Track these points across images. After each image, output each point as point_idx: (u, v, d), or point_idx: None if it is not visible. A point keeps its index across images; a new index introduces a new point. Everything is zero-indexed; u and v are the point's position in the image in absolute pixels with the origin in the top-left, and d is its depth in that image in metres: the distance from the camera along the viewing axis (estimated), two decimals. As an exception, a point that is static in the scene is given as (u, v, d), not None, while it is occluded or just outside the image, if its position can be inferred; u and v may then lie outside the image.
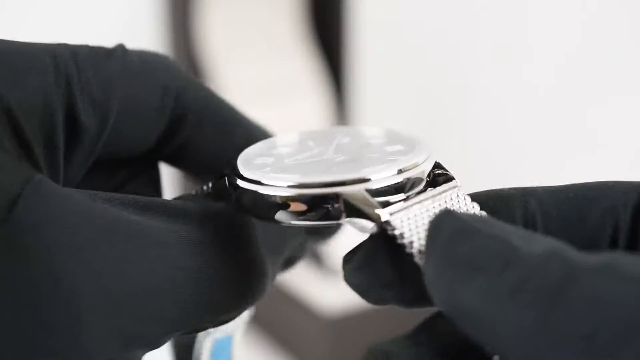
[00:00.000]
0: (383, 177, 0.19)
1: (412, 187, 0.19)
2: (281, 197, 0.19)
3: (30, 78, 0.18)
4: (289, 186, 0.19)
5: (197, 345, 0.23)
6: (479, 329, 0.15)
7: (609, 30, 0.67)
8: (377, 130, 0.23)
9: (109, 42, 0.22)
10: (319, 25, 0.84)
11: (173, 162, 0.22)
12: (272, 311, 0.69)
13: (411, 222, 0.18)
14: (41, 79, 0.18)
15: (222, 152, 0.22)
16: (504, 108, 0.77)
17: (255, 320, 0.72)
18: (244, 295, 0.20)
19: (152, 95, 0.21)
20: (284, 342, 0.68)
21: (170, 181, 0.67)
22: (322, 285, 0.65)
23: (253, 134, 0.23)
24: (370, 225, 0.19)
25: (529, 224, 0.19)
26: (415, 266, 0.18)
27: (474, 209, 0.19)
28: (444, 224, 0.16)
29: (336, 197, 0.19)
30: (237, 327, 0.24)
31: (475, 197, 0.20)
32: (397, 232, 0.18)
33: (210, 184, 0.21)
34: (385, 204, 0.19)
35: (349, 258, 0.19)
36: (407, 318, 0.69)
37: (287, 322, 0.67)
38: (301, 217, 0.19)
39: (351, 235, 0.62)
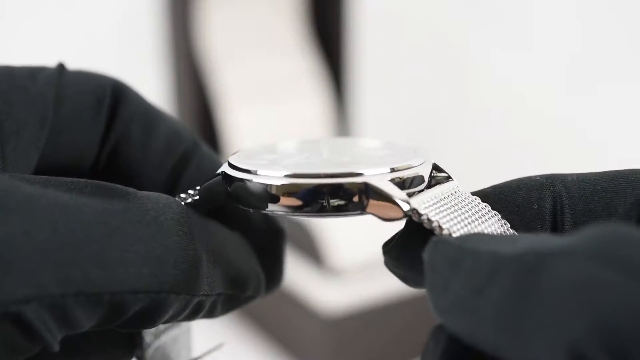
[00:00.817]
0: (375, 173, 0.19)
1: (411, 186, 0.20)
2: (278, 186, 0.19)
3: None
4: (287, 175, 0.19)
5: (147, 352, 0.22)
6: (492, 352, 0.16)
7: (612, 31, 0.67)
8: (375, 141, 0.23)
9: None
10: (318, 24, 0.84)
11: (114, 158, 0.22)
12: (271, 312, 0.69)
13: (435, 208, 0.19)
14: None
15: (150, 148, 0.22)
16: (504, 108, 0.77)
17: (255, 321, 0.72)
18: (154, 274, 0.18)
19: (88, 97, 0.21)
20: (283, 342, 0.68)
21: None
22: (322, 286, 0.65)
23: (177, 128, 0.23)
24: (394, 213, 0.19)
25: (558, 217, 0.19)
26: None
27: (479, 205, 0.20)
28: (436, 254, 0.17)
29: (350, 187, 0.19)
30: (181, 333, 0.23)
31: (504, 186, 0.20)
32: (424, 218, 0.19)
33: (197, 188, 0.21)
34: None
35: (386, 247, 0.21)
36: (407, 319, 0.69)
37: (286, 323, 0.67)
38: (302, 210, 0.19)
39: (351, 234, 0.61)
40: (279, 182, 0.19)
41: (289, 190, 0.19)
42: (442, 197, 0.20)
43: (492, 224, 0.20)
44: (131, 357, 0.21)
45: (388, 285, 0.65)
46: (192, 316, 0.20)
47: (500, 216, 0.20)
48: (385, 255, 0.21)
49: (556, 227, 0.20)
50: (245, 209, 0.20)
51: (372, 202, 0.19)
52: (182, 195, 0.21)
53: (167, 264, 0.18)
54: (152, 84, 0.80)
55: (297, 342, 0.66)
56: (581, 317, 0.14)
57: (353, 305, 0.63)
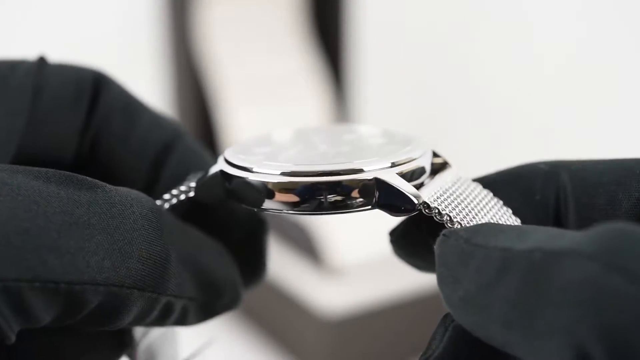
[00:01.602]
0: (375, 169, 0.19)
1: (416, 178, 0.20)
2: (277, 183, 0.19)
3: None
4: (283, 173, 0.19)
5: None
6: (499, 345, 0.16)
7: (611, 26, 0.66)
8: (373, 128, 0.23)
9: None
10: (319, 23, 0.84)
11: (92, 163, 0.22)
12: (270, 312, 0.69)
13: (443, 200, 0.19)
14: None
15: (131, 139, 0.22)
16: (505, 104, 0.77)
17: (253, 321, 0.72)
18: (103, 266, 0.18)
19: (68, 88, 0.21)
20: (282, 343, 0.68)
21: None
22: (321, 286, 0.65)
23: (158, 119, 0.23)
24: (405, 208, 0.19)
25: (561, 208, 0.19)
26: None
27: (482, 192, 0.20)
28: (446, 247, 0.18)
29: (350, 183, 0.19)
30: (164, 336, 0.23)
31: (507, 173, 0.20)
32: (435, 212, 0.18)
33: (188, 186, 0.21)
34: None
35: (392, 236, 0.21)
36: (407, 319, 0.69)
37: (285, 323, 0.67)
38: (300, 207, 0.19)
39: (350, 234, 0.61)
40: (275, 180, 0.19)
41: (286, 187, 0.19)
42: (447, 187, 0.20)
43: (497, 212, 0.19)
44: (121, 356, 0.21)
45: (388, 286, 0.64)
46: (161, 320, 0.19)
47: (502, 203, 0.20)
48: (392, 244, 0.21)
49: (559, 218, 0.20)
50: (247, 207, 0.20)
51: (382, 197, 0.19)
52: (170, 194, 0.21)
53: (130, 258, 0.18)
54: (151, 83, 0.80)
55: (296, 343, 0.66)
56: (586, 320, 0.14)
57: (352, 306, 0.63)
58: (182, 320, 0.20)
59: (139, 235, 0.18)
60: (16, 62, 0.21)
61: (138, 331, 0.22)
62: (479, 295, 0.16)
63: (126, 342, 0.21)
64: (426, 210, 0.18)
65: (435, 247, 0.18)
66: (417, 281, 0.65)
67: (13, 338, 0.17)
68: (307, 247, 0.67)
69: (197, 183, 0.21)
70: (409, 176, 0.19)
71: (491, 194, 0.20)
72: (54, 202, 0.17)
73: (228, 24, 0.77)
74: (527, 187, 0.20)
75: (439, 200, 0.19)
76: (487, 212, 0.19)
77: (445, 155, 0.22)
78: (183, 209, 0.21)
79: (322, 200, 0.19)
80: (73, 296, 0.17)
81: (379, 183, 0.19)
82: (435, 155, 0.21)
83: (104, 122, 0.22)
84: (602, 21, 0.67)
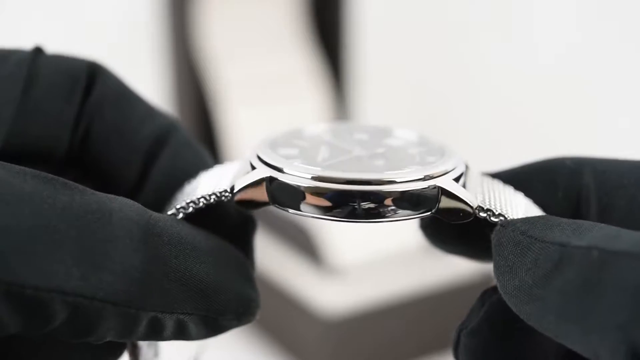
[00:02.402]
0: (408, 179, 0.19)
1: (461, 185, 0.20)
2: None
3: None
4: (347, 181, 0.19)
5: None
6: (547, 331, 0.17)
7: (612, 25, 0.66)
8: (409, 133, 0.24)
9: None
10: (319, 23, 0.83)
11: (84, 153, 0.22)
12: (269, 312, 0.68)
13: (489, 199, 0.20)
14: None
15: (124, 130, 0.22)
16: (506, 104, 0.77)
17: (254, 321, 0.72)
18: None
19: (62, 78, 0.21)
20: (281, 343, 0.67)
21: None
22: (321, 286, 0.65)
23: (152, 111, 0.22)
24: (465, 213, 0.19)
25: (583, 207, 0.20)
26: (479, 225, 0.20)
27: (506, 188, 0.21)
28: (503, 238, 0.18)
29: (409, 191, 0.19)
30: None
31: (531, 168, 0.21)
32: (488, 212, 0.19)
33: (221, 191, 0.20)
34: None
35: (422, 224, 0.22)
36: (408, 319, 0.69)
37: (285, 323, 0.67)
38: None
39: (350, 234, 0.61)
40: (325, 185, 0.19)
41: (319, 192, 0.19)
42: (483, 187, 0.20)
43: (528, 205, 0.20)
44: (120, 355, 0.20)
45: (389, 286, 0.64)
46: (153, 335, 0.18)
47: (523, 195, 0.20)
48: (422, 230, 0.22)
49: (579, 215, 0.20)
50: (284, 209, 0.20)
51: (443, 204, 0.19)
52: (185, 202, 0.20)
53: (103, 270, 0.17)
54: (151, 83, 0.80)
55: (296, 343, 0.66)
56: None
57: (352, 306, 0.63)
58: (183, 335, 0.19)
59: (114, 246, 0.17)
60: (9, 51, 0.21)
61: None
62: (535, 286, 0.17)
63: (132, 353, 0.20)
64: (480, 214, 0.19)
65: (492, 235, 0.19)
66: (417, 281, 0.65)
67: None
68: (307, 247, 0.67)
69: (240, 187, 0.20)
70: (460, 183, 0.20)
71: (512, 189, 0.21)
72: (26, 204, 0.16)
73: (228, 23, 0.77)
74: (550, 183, 0.20)
75: (486, 201, 0.19)
76: (522, 206, 0.20)
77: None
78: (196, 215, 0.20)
79: (390, 208, 0.19)
80: (40, 304, 0.16)
81: (442, 190, 0.19)
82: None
83: (96, 112, 0.21)
84: (602, 22, 0.67)
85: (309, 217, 0.20)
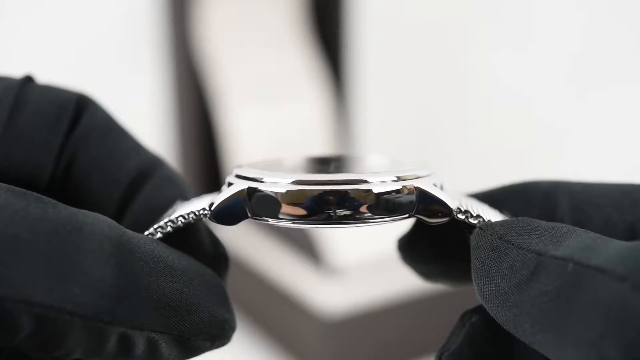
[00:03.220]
0: (381, 180, 0.19)
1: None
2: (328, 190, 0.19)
3: None
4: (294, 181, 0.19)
5: None
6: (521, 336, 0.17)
7: (614, 31, 0.66)
8: (381, 156, 0.24)
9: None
10: (319, 24, 0.83)
11: (66, 183, 0.22)
12: (269, 312, 0.68)
13: (467, 202, 0.20)
14: None
15: (108, 162, 0.22)
16: (505, 108, 0.77)
17: (254, 321, 0.72)
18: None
19: (49, 107, 0.21)
20: (281, 343, 0.68)
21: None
22: (321, 286, 0.65)
23: (138, 146, 0.22)
24: (443, 211, 0.19)
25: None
26: (457, 243, 0.20)
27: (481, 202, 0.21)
28: (481, 241, 0.18)
29: (402, 190, 0.19)
30: None
31: (507, 189, 0.21)
32: (467, 214, 0.19)
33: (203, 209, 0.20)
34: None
35: (399, 243, 0.22)
36: (408, 320, 0.69)
37: (285, 324, 0.67)
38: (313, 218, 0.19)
39: (351, 233, 0.61)
40: (290, 186, 0.19)
41: (298, 197, 0.19)
42: (460, 198, 0.21)
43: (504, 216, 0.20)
44: None
45: (388, 286, 0.64)
46: (123, 354, 0.18)
47: (499, 212, 0.21)
48: (399, 251, 0.22)
49: None
50: (263, 220, 0.20)
51: (421, 205, 0.19)
52: (164, 221, 0.20)
53: (72, 282, 0.17)
54: (151, 83, 0.80)
55: (296, 343, 0.66)
56: (613, 338, 0.14)
57: (352, 306, 0.63)
58: (154, 356, 0.19)
59: (84, 259, 0.17)
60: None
61: None
62: (510, 293, 0.17)
63: None
64: (459, 215, 0.19)
65: (471, 239, 0.19)
66: (417, 281, 0.65)
67: None
68: (307, 247, 0.67)
69: (220, 201, 0.20)
70: (438, 186, 0.20)
71: (488, 205, 0.21)
72: None
73: (228, 23, 0.77)
74: (525, 203, 0.20)
75: (463, 206, 0.20)
76: (499, 216, 0.20)
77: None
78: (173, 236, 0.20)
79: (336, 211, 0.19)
80: (6, 315, 0.16)
81: (418, 192, 0.19)
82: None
83: (82, 143, 0.21)
84: (604, 28, 0.67)
85: (288, 227, 0.20)
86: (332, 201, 0.19)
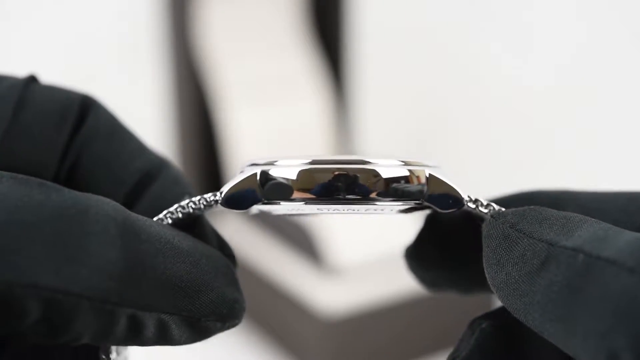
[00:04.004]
0: (388, 164, 0.19)
1: None
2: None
3: None
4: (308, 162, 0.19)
5: None
6: (531, 323, 0.17)
7: (614, 31, 0.66)
8: (387, 155, 0.24)
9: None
10: (319, 23, 0.84)
11: (70, 184, 0.22)
12: (269, 312, 0.68)
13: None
14: None
15: (113, 163, 0.22)
16: (506, 106, 0.77)
17: (252, 321, 0.72)
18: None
19: (53, 106, 0.21)
20: (281, 343, 0.68)
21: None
22: (321, 286, 0.65)
23: (143, 148, 0.22)
24: (454, 198, 0.20)
25: None
26: (465, 249, 0.21)
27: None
28: (492, 230, 0.18)
29: (412, 177, 0.19)
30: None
31: (514, 198, 0.21)
32: (478, 203, 0.20)
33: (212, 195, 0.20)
34: None
35: (406, 252, 0.22)
36: (409, 319, 0.69)
37: (285, 323, 0.67)
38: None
39: (351, 233, 0.61)
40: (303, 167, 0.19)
41: (312, 176, 0.19)
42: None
43: None
44: None
45: (388, 286, 0.64)
46: (133, 336, 0.18)
47: None
48: (406, 259, 0.22)
49: None
50: (274, 203, 0.20)
51: (432, 189, 0.20)
52: (175, 208, 0.20)
53: (79, 264, 0.17)
54: (151, 83, 0.80)
55: (296, 343, 0.66)
56: (620, 330, 0.14)
57: (352, 306, 0.63)
58: (165, 338, 0.19)
59: (90, 241, 0.17)
60: (2, 76, 0.21)
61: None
62: (521, 282, 0.17)
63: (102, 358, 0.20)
64: (469, 204, 0.19)
65: (482, 227, 0.19)
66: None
67: None
68: (307, 247, 0.67)
69: (232, 185, 0.20)
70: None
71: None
72: (0, 203, 0.17)
73: (228, 24, 0.77)
74: None
75: (473, 195, 0.20)
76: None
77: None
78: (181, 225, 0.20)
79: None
80: (13, 300, 0.16)
81: (430, 179, 0.19)
82: None
83: (86, 144, 0.21)
84: (605, 28, 0.67)
85: (300, 212, 0.20)
86: (346, 181, 0.19)
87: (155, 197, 0.21)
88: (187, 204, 0.20)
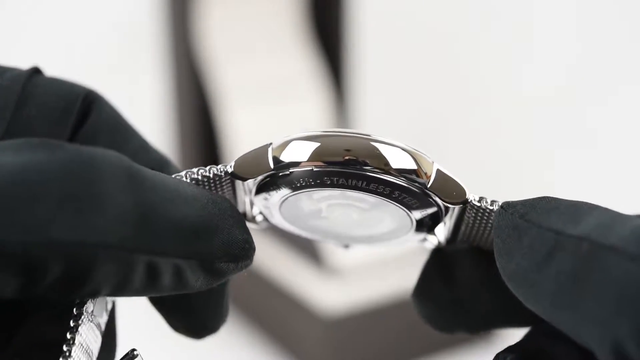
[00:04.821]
0: (393, 143, 0.20)
1: None
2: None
3: None
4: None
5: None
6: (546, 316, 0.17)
7: (614, 31, 0.66)
8: None
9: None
10: (319, 24, 0.83)
11: None
12: (270, 311, 0.69)
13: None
14: None
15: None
16: (506, 107, 0.77)
17: (252, 321, 0.72)
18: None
19: (57, 100, 0.21)
20: (282, 343, 0.68)
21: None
22: (321, 285, 0.65)
23: (147, 145, 0.22)
24: (458, 189, 0.20)
25: None
26: (471, 285, 0.21)
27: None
28: (502, 221, 0.19)
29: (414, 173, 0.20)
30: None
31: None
32: (483, 200, 0.20)
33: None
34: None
35: (414, 293, 0.22)
36: (409, 319, 0.69)
37: (285, 323, 0.67)
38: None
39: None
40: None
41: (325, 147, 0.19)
42: None
43: None
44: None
45: (388, 285, 0.64)
46: (151, 284, 0.18)
47: None
48: (415, 300, 0.23)
49: None
50: (284, 172, 0.20)
51: (437, 180, 0.20)
52: (190, 171, 0.21)
53: (91, 214, 0.17)
54: (151, 83, 0.80)
55: (296, 343, 0.66)
56: (625, 319, 0.15)
57: (353, 305, 0.63)
58: (182, 283, 0.19)
59: (100, 189, 0.17)
60: (6, 67, 0.21)
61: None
62: (530, 272, 0.17)
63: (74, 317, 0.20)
64: (474, 202, 0.20)
65: (493, 219, 0.19)
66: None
67: None
68: (307, 247, 0.67)
69: (243, 154, 0.20)
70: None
71: None
72: (4, 167, 0.17)
73: (228, 24, 0.77)
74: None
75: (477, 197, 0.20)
76: None
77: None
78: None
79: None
80: (32, 259, 0.16)
81: (436, 171, 0.20)
82: None
83: (90, 139, 0.21)
84: (604, 29, 0.67)
85: (307, 181, 0.20)
86: (357, 154, 0.19)
87: None
88: (198, 170, 0.21)
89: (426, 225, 0.21)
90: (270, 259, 0.68)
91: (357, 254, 0.66)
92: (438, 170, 0.20)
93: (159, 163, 0.22)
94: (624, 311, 0.15)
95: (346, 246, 0.24)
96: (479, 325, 0.22)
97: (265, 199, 0.21)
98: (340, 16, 0.81)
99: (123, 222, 0.17)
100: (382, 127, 0.89)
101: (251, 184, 0.21)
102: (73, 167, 0.17)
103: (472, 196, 0.20)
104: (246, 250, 0.20)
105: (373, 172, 0.19)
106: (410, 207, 0.20)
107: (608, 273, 0.15)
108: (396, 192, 0.20)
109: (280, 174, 0.20)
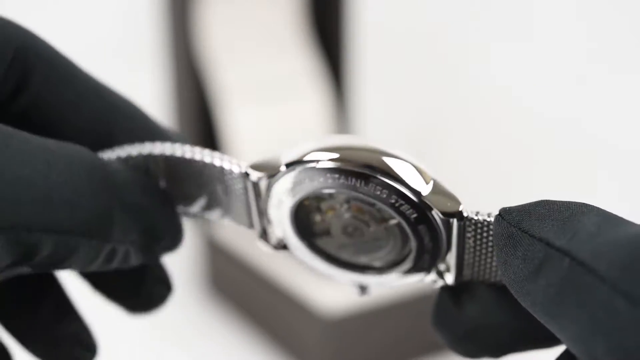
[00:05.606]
0: (401, 167, 0.20)
1: None
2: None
3: None
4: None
5: None
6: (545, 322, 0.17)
7: (615, 30, 0.66)
8: None
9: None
10: (319, 24, 0.84)
11: (23, 122, 0.22)
12: (270, 311, 0.69)
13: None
14: None
15: (74, 106, 0.23)
16: (505, 107, 0.77)
17: (252, 321, 0.72)
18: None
19: None
20: (282, 343, 0.68)
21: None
22: (321, 285, 0.65)
23: (102, 89, 0.24)
24: (452, 200, 0.20)
25: None
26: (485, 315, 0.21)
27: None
28: (499, 229, 0.19)
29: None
30: None
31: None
32: (477, 213, 0.20)
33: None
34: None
35: (433, 317, 0.23)
36: (409, 319, 0.69)
37: (285, 323, 0.67)
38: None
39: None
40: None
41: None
42: None
43: None
44: None
45: (388, 285, 0.64)
46: (106, 264, 0.20)
47: None
48: (435, 327, 0.23)
49: None
50: (295, 167, 0.21)
51: (433, 190, 0.20)
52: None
53: (72, 207, 0.18)
54: (151, 83, 0.80)
55: (296, 342, 0.66)
56: (600, 339, 0.15)
57: (353, 305, 0.63)
58: (124, 263, 0.21)
59: (79, 185, 0.19)
60: None
61: None
62: (525, 281, 0.18)
63: None
64: (469, 215, 0.20)
65: (492, 227, 0.19)
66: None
67: None
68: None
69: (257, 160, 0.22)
70: None
71: None
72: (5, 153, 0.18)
73: (228, 24, 0.77)
74: None
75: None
76: None
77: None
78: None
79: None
80: (29, 241, 0.18)
81: (432, 182, 0.20)
82: None
83: (35, 96, 0.22)
84: (605, 28, 0.67)
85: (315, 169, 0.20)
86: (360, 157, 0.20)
87: (125, 133, 0.23)
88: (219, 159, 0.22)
89: (428, 251, 0.21)
90: (270, 258, 0.68)
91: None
92: (435, 183, 0.20)
93: (117, 106, 0.24)
94: (599, 331, 0.15)
95: (363, 289, 0.25)
96: (502, 350, 0.22)
97: (279, 203, 0.22)
98: (340, 16, 0.81)
99: (102, 217, 0.20)
100: (381, 126, 0.89)
101: (263, 184, 0.22)
102: (60, 165, 0.19)
103: (468, 211, 0.20)
104: (180, 233, 0.23)
105: (373, 172, 0.20)
106: (408, 220, 0.20)
107: (584, 293, 0.15)
108: (393, 197, 0.20)
109: (292, 170, 0.21)
